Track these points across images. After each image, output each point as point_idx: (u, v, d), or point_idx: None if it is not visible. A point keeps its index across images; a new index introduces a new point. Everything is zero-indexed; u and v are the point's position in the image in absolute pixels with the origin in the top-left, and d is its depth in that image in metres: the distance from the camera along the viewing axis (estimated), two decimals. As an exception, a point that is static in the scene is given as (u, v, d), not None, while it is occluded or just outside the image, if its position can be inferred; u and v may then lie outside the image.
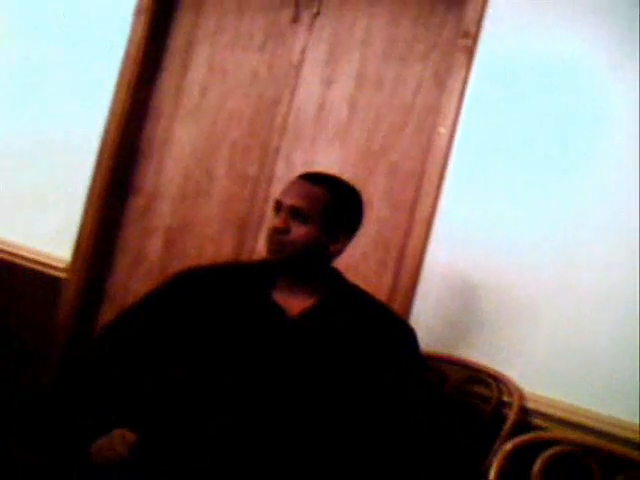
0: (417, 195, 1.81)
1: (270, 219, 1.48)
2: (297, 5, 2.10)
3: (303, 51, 2.08)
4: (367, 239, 1.86)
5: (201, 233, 2.15)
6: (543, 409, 1.58)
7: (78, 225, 2.25)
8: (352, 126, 1.98)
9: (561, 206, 1.65)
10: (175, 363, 1.39)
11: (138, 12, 2.26)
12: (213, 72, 2.21)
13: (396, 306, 1.72)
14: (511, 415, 1.55)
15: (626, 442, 1.46)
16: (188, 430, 1.31)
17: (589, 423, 1.52)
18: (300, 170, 1.69)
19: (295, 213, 1.39)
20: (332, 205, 1.41)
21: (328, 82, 2.03)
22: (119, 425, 1.34)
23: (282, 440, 1.30)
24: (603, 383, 1.54)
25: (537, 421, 1.58)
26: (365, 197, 1.52)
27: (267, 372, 1.35)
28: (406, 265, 1.78)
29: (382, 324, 1.44)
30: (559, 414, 1.56)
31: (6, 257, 2.32)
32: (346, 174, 1.78)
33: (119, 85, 2.24)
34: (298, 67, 2.08)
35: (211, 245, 2.13)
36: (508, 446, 1.35)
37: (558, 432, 1.51)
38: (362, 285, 1.53)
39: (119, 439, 1.32)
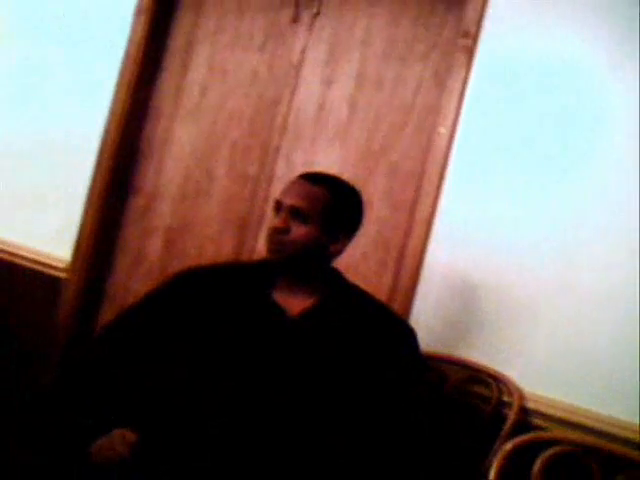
0: (417, 195, 1.81)
1: (270, 219, 1.48)
2: (297, 5, 2.10)
3: (303, 51, 2.07)
4: (367, 239, 1.86)
5: (201, 233, 2.15)
6: (543, 409, 1.58)
7: (78, 225, 2.25)
8: (352, 126, 1.98)
9: (561, 206, 1.65)
10: (175, 363, 1.39)
11: (138, 12, 2.25)
12: (213, 72, 2.21)
13: (396, 306, 1.72)
14: (511, 415, 1.55)
15: (626, 442, 1.46)
16: (188, 430, 1.31)
17: (589, 423, 1.52)
18: (300, 170, 1.69)
19: (295, 213, 1.39)
20: (332, 205, 1.41)
21: (328, 82, 2.03)
22: (119, 425, 1.34)
23: (282, 440, 1.30)
24: (603, 383, 1.54)
25: (537, 421, 1.58)
26: (365, 197, 1.52)
27: (267, 372, 1.35)
28: (406, 265, 1.78)
29: (382, 324, 1.44)
30: (559, 414, 1.56)
31: (6, 257, 2.32)
32: (346, 174, 1.78)
33: (119, 85, 2.24)
34: (298, 67, 2.08)
35: (211, 245, 2.13)
36: (508, 446, 1.35)
37: (558, 432, 1.51)
38: (362, 285, 1.53)
39: (119, 439, 1.32)
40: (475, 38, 1.78)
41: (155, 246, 2.21)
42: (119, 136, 2.23)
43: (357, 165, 1.95)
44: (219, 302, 1.44)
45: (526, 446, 1.36)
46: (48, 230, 2.29)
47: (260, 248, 1.96)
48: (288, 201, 1.40)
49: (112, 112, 2.24)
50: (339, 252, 1.45)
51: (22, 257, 2.30)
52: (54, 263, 2.26)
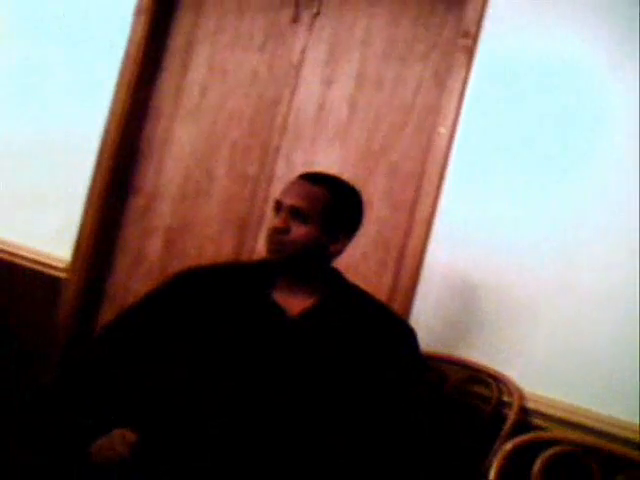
0: (417, 195, 1.81)
1: (270, 219, 1.47)
2: (297, 5, 2.09)
3: (303, 51, 2.07)
4: (367, 239, 1.86)
5: (201, 233, 2.15)
6: (543, 409, 1.58)
7: (78, 225, 2.25)
8: (352, 126, 1.98)
9: (561, 206, 1.65)
10: (175, 363, 1.39)
11: (138, 12, 2.25)
12: (213, 72, 2.21)
13: (396, 306, 1.72)
14: (511, 415, 1.55)
15: (626, 442, 1.46)
16: (188, 430, 1.31)
17: (589, 423, 1.52)
18: (300, 170, 1.69)
19: (295, 213, 1.39)
20: (332, 205, 1.40)
21: (328, 82, 2.03)
22: (119, 425, 1.34)
23: (282, 440, 1.30)
24: (603, 383, 1.54)
25: (537, 421, 1.58)
26: (365, 197, 1.52)
27: (267, 372, 1.35)
28: (406, 265, 1.78)
29: (382, 324, 1.44)
30: (559, 414, 1.56)
31: (6, 257, 2.32)
32: (346, 174, 1.78)
33: (119, 85, 2.24)
34: (298, 67, 2.07)
35: (211, 245, 2.13)
36: (508, 446, 1.35)
37: (558, 432, 1.51)
38: (362, 285, 1.53)
39: (119, 439, 1.32)
40: (475, 38, 1.78)
41: (155, 246, 2.21)
42: (119, 136, 2.23)
43: (357, 165, 1.95)
44: (219, 302, 1.44)
45: (526, 446, 1.36)
46: (48, 230, 2.29)
47: (260, 248, 1.96)
48: (288, 201, 1.40)
49: (112, 112, 2.24)
50: (339, 252, 1.45)
51: (22, 257, 2.30)
52: (54, 263, 2.26)
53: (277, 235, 1.39)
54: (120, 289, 2.25)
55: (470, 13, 1.80)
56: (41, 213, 2.31)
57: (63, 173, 2.30)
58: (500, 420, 1.56)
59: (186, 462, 1.29)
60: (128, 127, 2.24)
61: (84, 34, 2.34)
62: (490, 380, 1.62)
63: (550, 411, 1.57)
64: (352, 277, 1.53)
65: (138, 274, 2.22)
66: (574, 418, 1.54)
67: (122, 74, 2.24)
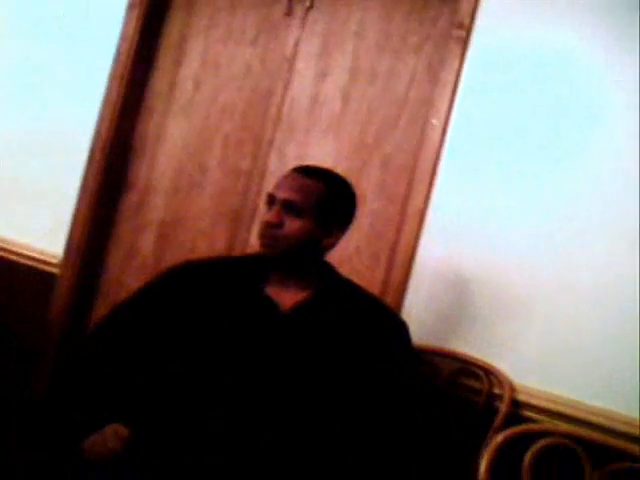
0: (410, 188, 1.81)
1: (263, 213, 1.47)
2: (290, -2, 2.09)
3: (296, 44, 2.07)
4: (360, 232, 1.86)
5: (194, 227, 2.14)
6: (534, 401, 1.58)
7: (71, 221, 2.24)
8: (345, 119, 1.98)
9: (555, 198, 1.65)
10: (169, 357, 1.39)
11: (130, 7, 2.24)
12: (206, 66, 2.20)
13: (388, 299, 1.72)
14: (502, 407, 1.56)
15: (617, 434, 1.46)
16: (181, 425, 1.31)
17: (580, 415, 1.53)
18: (293, 163, 1.69)
19: (289, 207, 1.38)
20: (326, 198, 1.40)
21: (321, 75, 2.03)
22: (113, 420, 1.34)
23: (276, 434, 1.30)
24: (595, 375, 1.54)
25: (528, 413, 1.58)
26: (358, 190, 1.52)
27: (260, 366, 1.35)
28: (398, 258, 1.78)
29: (374, 318, 1.44)
30: (550, 406, 1.56)
31: (-1, 253, 2.32)
32: (339, 167, 1.78)
33: (112, 80, 2.23)
34: (291, 60, 2.07)
35: (204, 239, 2.12)
36: (499, 438, 1.35)
37: (549, 424, 1.52)
38: (355, 279, 1.53)
39: (112, 435, 1.31)
40: (469, 29, 1.78)
41: (148, 241, 2.20)
42: (112, 132, 2.23)
43: (350, 158, 1.95)
44: (212, 296, 1.43)
45: (517, 438, 1.37)
46: (41, 226, 2.29)
47: (253, 242, 1.96)
48: (281, 195, 1.39)
49: (104, 107, 2.23)
50: (332, 246, 1.45)
51: (15, 253, 2.30)
52: (47, 259, 2.26)
53: (270, 229, 1.39)
54: (113, 284, 2.25)
55: (464, 5, 1.79)
56: (34, 209, 2.31)
57: (56, 169, 2.30)
58: (491, 412, 1.57)
59: (179, 457, 1.29)
60: (121, 122, 2.24)
61: (76, 30, 2.33)
62: (481, 372, 1.62)
63: (541, 403, 1.57)
64: (345, 270, 1.53)
65: (131, 269, 2.22)
66: (565, 410, 1.54)
67: (114, 69, 2.23)
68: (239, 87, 2.14)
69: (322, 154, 1.97)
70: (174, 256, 2.10)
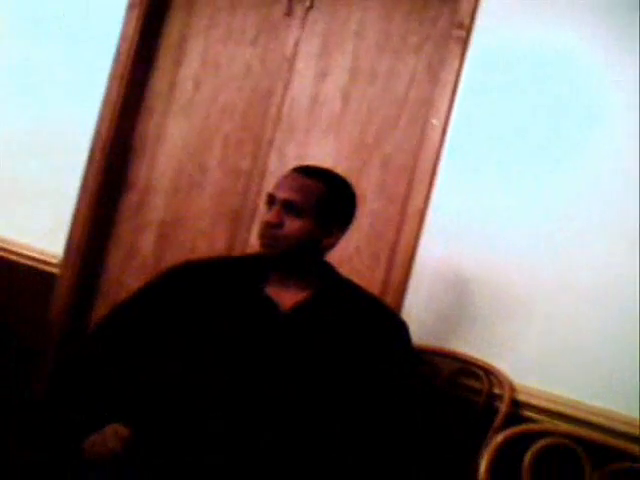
0: (410, 188, 1.81)
1: (263, 213, 1.47)
2: (290, -2, 2.09)
3: (296, 44, 2.07)
4: (360, 232, 1.86)
5: (194, 227, 2.14)
6: (534, 401, 1.58)
7: (71, 221, 2.24)
8: (345, 119, 1.98)
9: (555, 198, 1.64)
10: (169, 357, 1.39)
11: (130, 7, 2.24)
12: (206, 66, 2.20)
13: (388, 299, 1.72)
14: (502, 407, 1.56)
15: (617, 434, 1.46)
16: (181, 424, 1.31)
17: (581, 415, 1.53)
18: (293, 163, 1.69)
19: (289, 207, 1.38)
20: (326, 198, 1.40)
21: (321, 75, 2.03)
22: (113, 420, 1.34)
23: (275, 434, 1.30)
24: (595, 375, 1.54)
25: (528, 413, 1.58)
26: (358, 190, 1.52)
27: (260, 366, 1.35)
28: (398, 258, 1.78)
29: (374, 318, 1.44)
30: (550, 406, 1.56)
31: (-1, 253, 2.32)
32: (339, 167, 1.78)
33: (112, 80, 2.23)
34: (291, 60, 2.07)
35: (204, 239, 2.12)
36: (499, 438, 1.35)
37: (549, 424, 1.52)
38: (355, 278, 1.53)
39: (112, 435, 1.31)
40: (469, 29, 1.78)
41: (148, 241, 2.20)
42: (112, 132, 2.23)
43: (350, 158, 1.95)
44: (212, 297, 1.43)
45: (517, 438, 1.37)
46: (41, 226, 2.28)
47: (253, 242, 1.96)
48: (281, 195, 1.39)
49: (105, 107, 2.23)
50: (332, 246, 1.45)
51: (15, 253, 2.29)
52: (47, 259, 2.26)
53: (271, 230, 1.39)
54: (113, 284, 2.25)
55: (464, 5, 1.79)
56: (34, 209, 2.31)
57: (56, 169, 2.30)
58: (491, 412, 1.57)
59: (179, 457, 1.29)
60: (121, 122, 2.24)
61: (75, 29, 2.32)
62: (481, 372, 1.62)
63: (541, 403, 1.57)
64: (345, 270, 1.53)
65: (131, 269, 2.22)
66: (566, 410, 1.54)
67: (114, 69, 2.23)
68: (239, 87, 2.14)
69: (322, 154, 1.97)
70: (174, 256, 2.10)
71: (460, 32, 1.78)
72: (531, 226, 1.66)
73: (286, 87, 2.07)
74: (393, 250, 1.82)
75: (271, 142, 2.06)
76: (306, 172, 1.43)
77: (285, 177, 1.44)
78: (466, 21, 1.78)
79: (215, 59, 2.19)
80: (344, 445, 1.33)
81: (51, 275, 2.24)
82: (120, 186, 2.27)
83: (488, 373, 1.61)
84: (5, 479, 1.71)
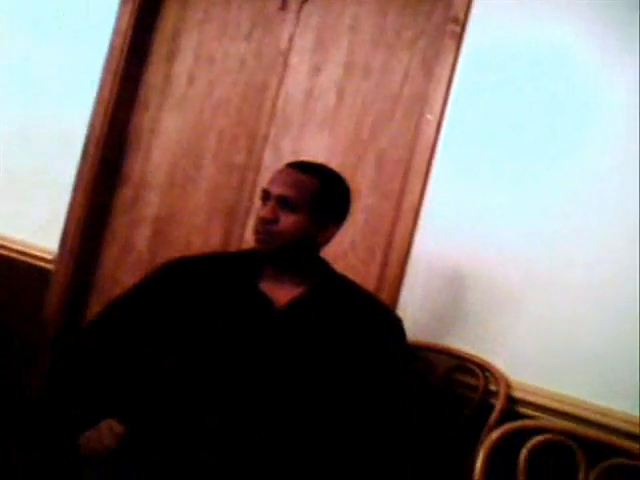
0: (404, 183, 1.81)
1: (258, 208, 1.47)
2: (285, -8, 2.08)
3: (291, 39, 2.06)
4: (355, 228, 1.86)
5: (189, 222, 2.14)
6: (530, 398, 1.58)
7: (65, 216, 2.24)
8: (340, 114, 1.97)
9: (550, 194, 1.64)
10: (163, 353, 1.38)
11: (124, 1, 2.23)
12: (200, 61, 2.19)
13: (383, 296, 1.72)
14: (498, 404, 1.55)
15: (613, 431, 1.46)
16: (176, 420, 1.31)
17: (576, 411, 1.52)
18: (288, 158, 1.69)
19: (283, 202, 1.38)
20: (321, 194, 1.40)
21: (316, 69, 2.02)
22: (108, 416, 1.33)
23: (270, 430, 1.30)
24: (591, 372, 1.54)
25: (524, 410, 1.58)
26: (353, 185, 1.52)
27: (255, 362, 1.35)
28: (393, 254, 1.78)
29: (369, 314, 1.44)
30: (546, 403, 1.56)
31: (-7, 249, 2.31)
32: (334, 162, 1.78)
33: (105, 75, 2.22)
34: (286, 54, 2.06)
35: (199, 234, 2.12)
36: (495, 434, 1.35)
37: (545, 420, 1.52)
38: (350, 274, 1.53)
39: (107, 430, 1.31)
40: (464, 24, 1.77)
41: (143, 236, 2.20)
42: (106, 126, 2.22)
43: (345, 153, 1.95)
44: (207, 292, 1.43)
45: (513, 434, 1.37)
46: (35, 221, 2.28)
47: (248, 237, 1.95)
48: (276, 190, 1.39)
49: (99, 102, 2.22)
50: (327, 241, 1.45)
51: (9, 249, 2.29)
52: (41, 254, 2.25)
53: (265, 225, 1.39)
54: (108, 280, 2.24)
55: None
56: (28, 204, 2.30)
57: (50, 164, 2.29)
58: (487, 409, 1.56)
59: (174, 453, 1.29)
60: (115, 117, 2.23)
61: (69, 24, 2.31)
62: (476, 369, 1.62)
63: (537, 400, 1.57)
64: (340, 266, 1.53)
65: (126, 264, 2.21)
66: (561, 407, 1.54)
67: (108, 64, 2.22)
68: (233, 81, 2.13)
69: (317, 149, 1.97)
70: (169, 252, 2.09)
71: (455, 27, 1.78)
72: (527, 222, 1.66)
73: (280, 82, 2.06)
74: (388, 245, 1.82)
75: (266, 137, 2.05)
76: (300, 167, 1.43)
77: (279, 172, 1.43)
78: (461, 16, 1.77)
79: (209, 53, 2.18)
80: (339, 441, 1.33)
81: (46, 271, 2.23)
82: (115, 181, 2.26)
83: (484, 369, 1.61)
84: (5, 479, 1.71)
